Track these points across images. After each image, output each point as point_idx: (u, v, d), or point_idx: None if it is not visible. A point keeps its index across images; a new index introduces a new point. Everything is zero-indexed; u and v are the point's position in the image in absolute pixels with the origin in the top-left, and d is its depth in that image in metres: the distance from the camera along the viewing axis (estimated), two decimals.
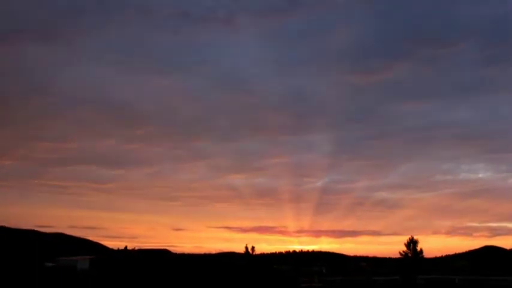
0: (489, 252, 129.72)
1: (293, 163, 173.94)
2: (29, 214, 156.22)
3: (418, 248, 74.73)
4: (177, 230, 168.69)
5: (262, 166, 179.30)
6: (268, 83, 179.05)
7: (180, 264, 59.47)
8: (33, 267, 39.73)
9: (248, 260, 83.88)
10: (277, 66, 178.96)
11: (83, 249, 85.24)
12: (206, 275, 52.97)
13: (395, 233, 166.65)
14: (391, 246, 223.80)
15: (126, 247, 69.70)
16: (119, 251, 72.11)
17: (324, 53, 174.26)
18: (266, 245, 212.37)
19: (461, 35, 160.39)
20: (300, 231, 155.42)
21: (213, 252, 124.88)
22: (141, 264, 52.71)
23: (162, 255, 59.27)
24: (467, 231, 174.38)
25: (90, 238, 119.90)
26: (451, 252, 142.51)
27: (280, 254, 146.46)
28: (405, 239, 76.99)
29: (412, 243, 74.83)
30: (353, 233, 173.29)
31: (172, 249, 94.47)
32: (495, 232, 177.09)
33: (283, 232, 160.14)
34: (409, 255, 74.76)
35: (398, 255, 79.21)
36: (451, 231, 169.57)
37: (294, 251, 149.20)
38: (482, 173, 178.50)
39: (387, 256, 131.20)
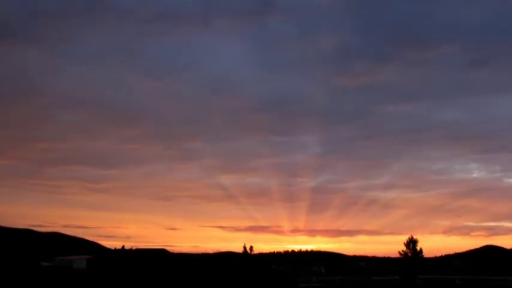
0: (489, 252, 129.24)
1: (285, 163, 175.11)
2: (24, 213, 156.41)
3: (418, 248, 74.35)
4: (172, 229, 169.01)
5: (255, 166, 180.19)
6: (258, 85, 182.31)
7: (178, 264, 58.88)
8: (32, 267, 39.10)
9: (247, 259, 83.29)
10: (267, 68, 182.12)
11: (79, 248, 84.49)
12: (205, 275, 52.40)
13: (392, 233, 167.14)
14: (390, 246, 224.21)
15: (123, 246, 69.32)
16: (116, 250, 71.58)
17: (314, 55, 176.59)
18: (262, 244, 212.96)
19: (449, 38, 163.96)
20: (295, 231, 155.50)
21: (210, 252, 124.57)
22: (138, 264, 52.10)
23: (160, 254, 58.58)
24: (465, 231, 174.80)
25: (87, 238, 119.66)
26: (451, 251, 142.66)
27: (279, 253, 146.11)
28: (403, 238, 76.84)
29: (411, 242, 74.30)
30: (349, 233, 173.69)
31: (169, 249, 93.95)
32: (492, 231, 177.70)
33: (278, 231, 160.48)
34: (409, 254, 74.25)
35: (397, 255, 78.86)
36: (449, 231, 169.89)
37: (293, 251, 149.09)
38: (476, 173, 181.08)
39: (386, 256, 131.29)
